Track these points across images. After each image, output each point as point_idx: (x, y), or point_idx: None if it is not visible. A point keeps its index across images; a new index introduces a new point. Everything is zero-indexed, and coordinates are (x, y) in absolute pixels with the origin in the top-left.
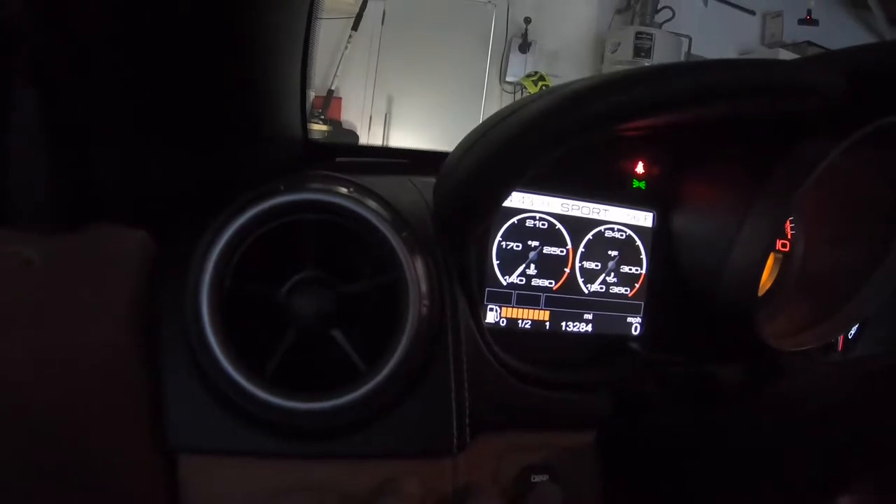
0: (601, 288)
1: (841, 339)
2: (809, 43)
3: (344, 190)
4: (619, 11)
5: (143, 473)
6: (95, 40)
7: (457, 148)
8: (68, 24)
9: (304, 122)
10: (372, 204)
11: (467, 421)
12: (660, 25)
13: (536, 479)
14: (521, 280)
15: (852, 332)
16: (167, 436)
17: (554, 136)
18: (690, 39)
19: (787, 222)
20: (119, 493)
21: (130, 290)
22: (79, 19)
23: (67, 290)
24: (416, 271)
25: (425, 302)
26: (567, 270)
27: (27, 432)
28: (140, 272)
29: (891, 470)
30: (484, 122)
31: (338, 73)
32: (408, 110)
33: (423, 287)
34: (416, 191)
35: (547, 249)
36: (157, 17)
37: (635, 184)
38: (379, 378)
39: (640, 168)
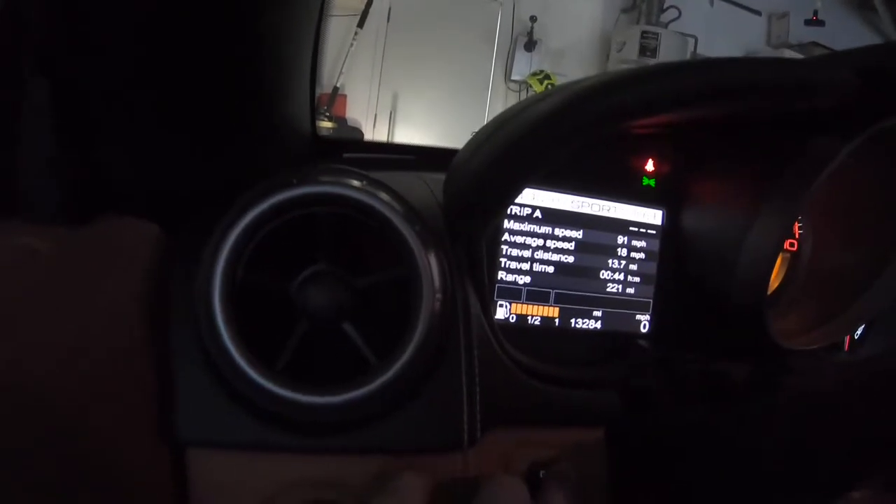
0: (610, 285)
1: (847, 338)
2: (815, 44)
3: (357, 183)
4: (624, 10)
5: (152, 467)
6: (105, 30)
7: (467, 145)
8: (79, 12)
9: (313, 118)
10: (385, 197)
11: (478, 416)
12: (665, 25)
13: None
14: (530, 277)
15: (858, 331)
16: (176, 429)
17: (565, 134)
18: (696, 39)
19: (795, 222)
20: (127, 488)
21: (140, 283)
22: (89, 8)
23: (75, 281)
24: (430, 265)
25: (438, 297)
26: (576, 267)
27: (34, 426)
28: (151, 264)
29: None
30: (494, 119)
31: (343, 71)
32: (413, 108)
33: (437, 282)
34: (426, 187)
35: (556, 245)
36: (167, 9)
37: (645, 181)
38: (390, 373)
39: (650, 166)
